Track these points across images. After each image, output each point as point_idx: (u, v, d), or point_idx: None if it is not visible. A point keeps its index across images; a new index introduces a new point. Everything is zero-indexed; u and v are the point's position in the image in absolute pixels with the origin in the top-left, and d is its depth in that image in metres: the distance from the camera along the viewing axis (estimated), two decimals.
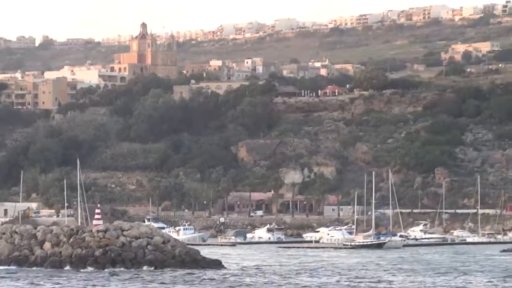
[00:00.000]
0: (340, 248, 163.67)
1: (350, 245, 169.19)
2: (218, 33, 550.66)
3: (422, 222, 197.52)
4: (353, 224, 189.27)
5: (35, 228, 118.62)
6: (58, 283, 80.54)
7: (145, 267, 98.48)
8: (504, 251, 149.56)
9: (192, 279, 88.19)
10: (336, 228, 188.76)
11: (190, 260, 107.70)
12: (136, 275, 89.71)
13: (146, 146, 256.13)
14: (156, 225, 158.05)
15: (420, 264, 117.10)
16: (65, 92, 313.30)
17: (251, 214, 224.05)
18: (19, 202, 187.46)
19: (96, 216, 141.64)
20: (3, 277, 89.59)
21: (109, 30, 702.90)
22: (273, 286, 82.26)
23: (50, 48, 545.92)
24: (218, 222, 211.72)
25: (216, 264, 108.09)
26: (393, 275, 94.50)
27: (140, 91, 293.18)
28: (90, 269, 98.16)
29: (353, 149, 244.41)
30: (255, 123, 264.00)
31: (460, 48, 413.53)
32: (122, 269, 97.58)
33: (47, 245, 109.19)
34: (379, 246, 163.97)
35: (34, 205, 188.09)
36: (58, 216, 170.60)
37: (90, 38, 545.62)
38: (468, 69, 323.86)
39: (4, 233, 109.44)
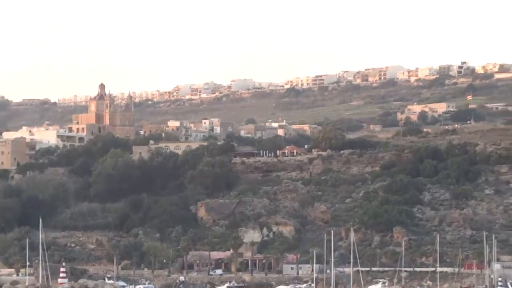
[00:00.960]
0: None
1: None
2: (174, 93, 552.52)
3: (381, 280, 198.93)
4: (312, 282, 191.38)
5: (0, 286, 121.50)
6: None
7: None
8: None
9: None
10: (296, 287, 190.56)
11: None
12: None
13: (106, 206, 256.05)
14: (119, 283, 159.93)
15: None
16: (24, 152, 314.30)
17: (211, 272, 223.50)
18: None
19: (61, 275, 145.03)
20: None
21: (65, 91, 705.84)
22: None
23: (6, 109, 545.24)
24: (177, 281, 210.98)
25: None
26: None
27: (99, 151, 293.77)
28: None
29: (312, 209, 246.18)
30: (214, 183, 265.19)
31: (416, 108, 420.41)
32: None
33: None
34: None
35: None
36: (18, 275, 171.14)
37: (46, 99, 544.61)
38: (425, 129, 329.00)
39: None
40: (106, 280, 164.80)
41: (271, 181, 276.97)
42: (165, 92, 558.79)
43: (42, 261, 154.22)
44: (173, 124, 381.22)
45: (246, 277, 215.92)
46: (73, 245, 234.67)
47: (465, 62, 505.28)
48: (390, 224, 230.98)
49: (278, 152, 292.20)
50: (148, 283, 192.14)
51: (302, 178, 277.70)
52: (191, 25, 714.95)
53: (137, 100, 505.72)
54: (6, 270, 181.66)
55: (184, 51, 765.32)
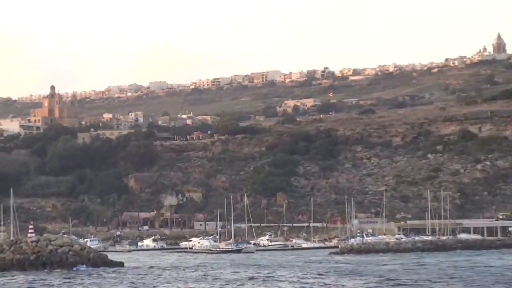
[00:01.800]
0: (208, 253, 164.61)
1: (216, 250, 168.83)
2: (107, 92, 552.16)
3: (268, 233, 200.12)
4: (217, 235, 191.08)
5: None
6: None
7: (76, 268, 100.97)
8: (331, 253, 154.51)
9: (104, 273, 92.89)
10: (204, 238, 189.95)
11: (101, 261, 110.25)
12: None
13: (58, 178, 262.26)
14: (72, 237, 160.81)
15: (269, 262, 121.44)
16: None
17: (139, 228, 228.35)
18: None
19: (30, 230, 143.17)
20: None
21: (23, 90, 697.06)
22: (159, 277, 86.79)
23: None
24: (115, 235, 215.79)
25: (120, 265, 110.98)
26: (246, 271, 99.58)
27: (52, 137, 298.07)
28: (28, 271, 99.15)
29: (215, 179, 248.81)
30: (140, 161, 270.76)
31: (290, 103, 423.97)
32: (57, 270, 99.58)
33: None
34: (238, 251, 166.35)
35: None
36: None
37: (9, 97, 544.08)
38: (298, 119, 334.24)
39: None
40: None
41: (183, 159, 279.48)
42: (100, 92, 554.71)
43: (13, 220, 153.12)
44: (107, 116, 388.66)
45: (167, 231, 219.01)
46: (34, 208, 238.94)
47: (327, 67, 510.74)
48: (274, 190, 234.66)
49: (187, 137, 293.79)
50: (93, 237, 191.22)
51: (207, 156, 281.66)
52: (119, 35, 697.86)
53: (79, 98, 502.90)
54: None
55: (113, 58, 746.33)
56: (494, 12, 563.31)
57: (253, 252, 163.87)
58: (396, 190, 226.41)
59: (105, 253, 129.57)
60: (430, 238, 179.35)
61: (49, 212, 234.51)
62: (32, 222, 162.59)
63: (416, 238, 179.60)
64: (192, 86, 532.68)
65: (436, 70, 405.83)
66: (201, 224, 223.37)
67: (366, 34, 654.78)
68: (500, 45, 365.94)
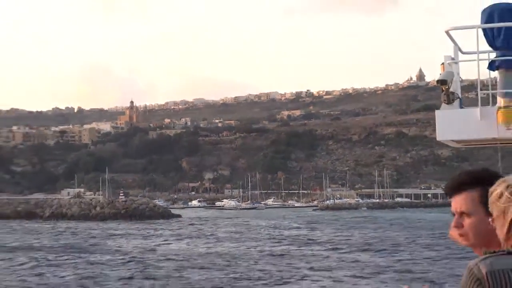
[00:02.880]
0: (234, 209, 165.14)
1: (239, 208, 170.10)
2: (166, 105, 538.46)
3: (272, 197, 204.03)
4: (239, 198, 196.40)
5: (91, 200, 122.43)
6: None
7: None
8: (314, 210, 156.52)
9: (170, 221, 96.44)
10: (231, 200, 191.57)
11: (166, 214, 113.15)
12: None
13: (137, 161, 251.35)
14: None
15: (274, 215, 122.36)
16: None
17: (189, 193, 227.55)
18: (73, 188, 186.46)
19: (120, 195, 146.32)
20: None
21: (112, 103, 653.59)
22: (206, 223, 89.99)
23: None
24: (174, 197, 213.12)
25: (179, 216, 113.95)
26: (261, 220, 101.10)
27: (132, 134, 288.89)
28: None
29: (237, 162, 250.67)
30: (189, 150, 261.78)
31: (285, 113, 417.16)
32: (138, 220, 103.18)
33: (98, 208, 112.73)
34: (254, 208, 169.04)
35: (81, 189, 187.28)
36: (95, 195, 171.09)
37: (102, 108, 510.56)
38: (290, 123, 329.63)
39: (76, 201, 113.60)
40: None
41: (216, 149, 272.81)
42: (162, 104, 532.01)
43: (107, 188, 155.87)
44: (167, 120, 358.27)
45: (206, 195, 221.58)
46: (122, 180, 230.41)
47: (308, 89, 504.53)
48: (276, 169, 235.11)
49: (219, 134, 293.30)
50: (160, 199, 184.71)
51: (232, 147, 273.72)
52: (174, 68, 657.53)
53: (148, 108, 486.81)
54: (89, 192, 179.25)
55: (169, 82, 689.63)
56: (417, 53, 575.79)
57: (263, 209, 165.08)
58: (355, 169, 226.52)
59: (168, 208, 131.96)
60: (377, 200, 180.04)
61: (131, 183, 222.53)
62: (121, 189, 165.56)
63: (368, 200, 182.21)
64: (221, 102, 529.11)
65: (380, 91, 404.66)
66: (229, 191, 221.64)
67: (333, 66, 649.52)
68: (421, 76, 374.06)
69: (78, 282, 34.00)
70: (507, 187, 2.01)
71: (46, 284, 33.72)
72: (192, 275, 34.76)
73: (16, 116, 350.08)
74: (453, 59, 6.85)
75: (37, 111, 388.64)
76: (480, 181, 2.28)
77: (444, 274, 34.02)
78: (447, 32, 6.88)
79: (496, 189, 2.06)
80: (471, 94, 7.55)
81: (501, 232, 2.07)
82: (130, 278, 35.24)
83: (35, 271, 38.77)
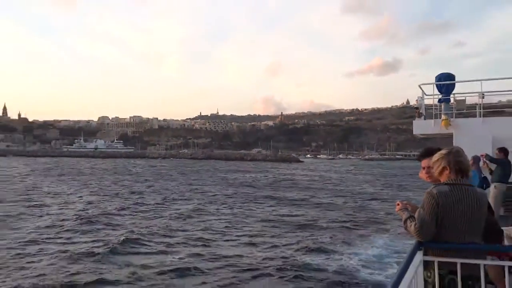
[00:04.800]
0: (326, 159, 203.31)
1: (327, 158, 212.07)
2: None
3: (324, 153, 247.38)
4: None
5: None
6: None
7: None
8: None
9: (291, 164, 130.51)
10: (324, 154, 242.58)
11: (297, 160, 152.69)
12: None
13: None
14: None
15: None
16: None
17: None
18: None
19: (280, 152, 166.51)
20: None
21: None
22: (318, 165, 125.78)
23: None
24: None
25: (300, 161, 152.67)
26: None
27: None
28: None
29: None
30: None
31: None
32: None
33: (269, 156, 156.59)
34: (333, 159, 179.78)
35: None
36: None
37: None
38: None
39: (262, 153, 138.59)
40: None
41: None
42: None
43: None
44: None
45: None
46: None
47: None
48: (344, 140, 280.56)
49: None
50: None
51: None
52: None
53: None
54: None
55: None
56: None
57: (338, 159, 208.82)
58: None
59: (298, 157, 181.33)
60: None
61: (283, 147, 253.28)
62: (280, 150, 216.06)
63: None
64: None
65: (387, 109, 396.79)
66: (324, 150, 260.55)
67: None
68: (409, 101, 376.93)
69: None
70: (439, 154, 4.17)
71: None
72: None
73: None
74: (421, 97, 12.62)
75: None
76: (431, 152, 4.47)
77: None
78: (419, 86, 12.62)
79: (436, 156, 4.25)
80: (429, 112, 13.30)
81: (437, 174, 4.25)
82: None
83: None
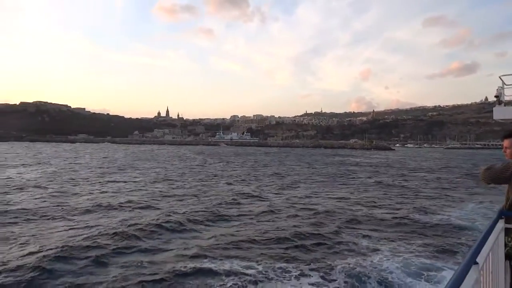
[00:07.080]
0: (413, 147, 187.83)
1: (414, 147, 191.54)
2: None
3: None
4: None
5: None
6: None
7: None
8: None
9: (385, 152, 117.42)
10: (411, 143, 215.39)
11: (389, 148, 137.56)
12: None
13: None
14: None
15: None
16: None
17: None
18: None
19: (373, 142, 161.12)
20: None
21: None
22: (407, 152, 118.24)
23: None
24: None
25: (392, 149, 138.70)
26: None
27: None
28: None
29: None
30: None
31: None
32: None
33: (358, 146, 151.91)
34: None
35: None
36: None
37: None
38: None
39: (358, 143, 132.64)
40: None
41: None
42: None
43: None
44: None
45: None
46: None
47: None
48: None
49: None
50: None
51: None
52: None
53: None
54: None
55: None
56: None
57: (419, 148, 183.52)
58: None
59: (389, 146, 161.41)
60: None
61: (376, 138, 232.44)
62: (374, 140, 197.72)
63: None
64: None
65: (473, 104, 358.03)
66: (411, 141, 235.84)
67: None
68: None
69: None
70: None
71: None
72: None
73: None
74: (501, 87, 11.58)
75: None
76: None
77: None
78: (500, 77, 11.57)
79: None
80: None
81: None
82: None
83: None
